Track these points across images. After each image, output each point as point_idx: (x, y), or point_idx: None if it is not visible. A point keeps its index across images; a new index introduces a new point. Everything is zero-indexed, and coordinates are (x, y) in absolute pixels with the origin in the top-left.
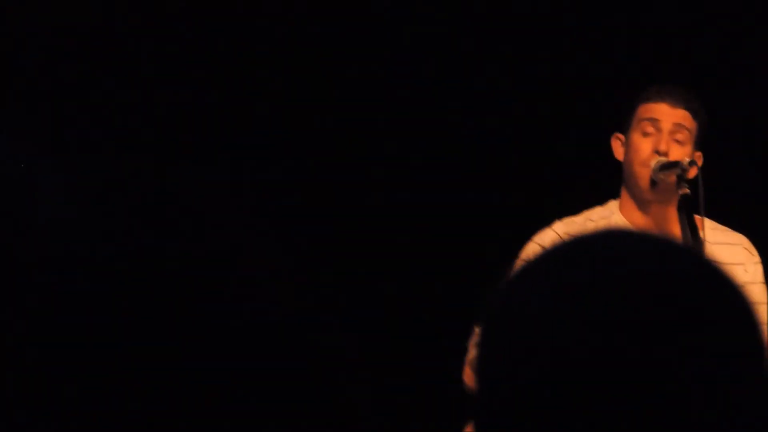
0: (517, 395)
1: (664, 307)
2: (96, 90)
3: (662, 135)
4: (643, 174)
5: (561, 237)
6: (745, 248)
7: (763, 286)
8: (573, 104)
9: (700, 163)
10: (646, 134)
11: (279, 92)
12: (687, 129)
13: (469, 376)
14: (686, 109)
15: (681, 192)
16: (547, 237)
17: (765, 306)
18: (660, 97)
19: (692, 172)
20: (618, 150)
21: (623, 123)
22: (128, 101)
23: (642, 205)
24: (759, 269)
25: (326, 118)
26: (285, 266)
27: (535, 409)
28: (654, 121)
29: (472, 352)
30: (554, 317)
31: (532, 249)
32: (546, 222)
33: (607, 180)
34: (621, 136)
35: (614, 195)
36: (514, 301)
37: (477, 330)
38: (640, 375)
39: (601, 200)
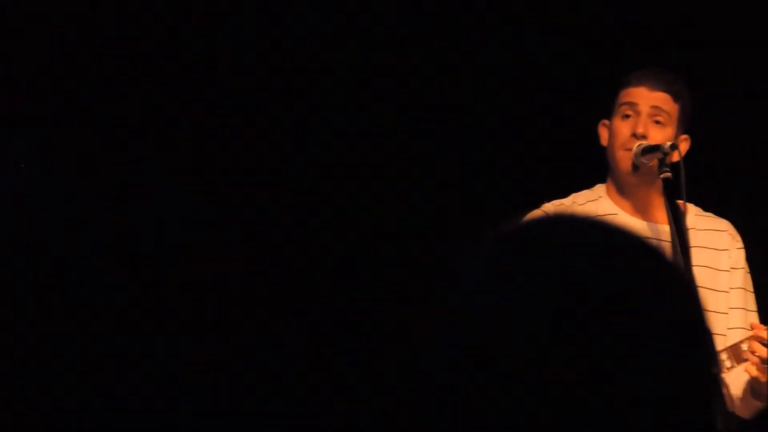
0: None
1: (605, 298)
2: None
3: (640, 118)
4: (622, 157)
5: None
6: (730, 234)
7: (744, 272)
8: (565, 92)
9: (687, 145)
10: (625, 118)
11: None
12: (666, 111)
13: None
14: (666, 91)
15: (662, 176)
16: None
17: (744, 291)
18: (639, 81)
19: (674, 156)
20: (603, 136)
21: (609, 109)
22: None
23: (626, 188)
24: (741, 254)
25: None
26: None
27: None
28: (632, 105)
29: None
30: (499, 305)
31: None
32: (537, 205)
33: (598, 166)
34: (606, 122)
35: (603, 180)
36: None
37: None
38: (578, 370)
39: (590, 185)
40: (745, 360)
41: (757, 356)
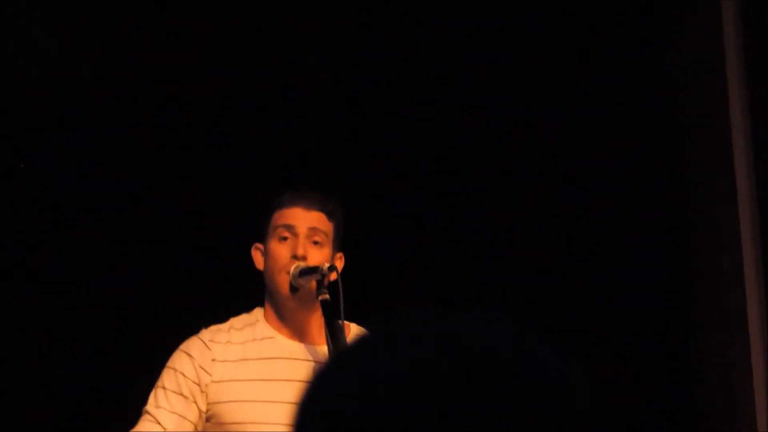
0: None
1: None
2: None
3: (299, 239)
4: (284, 281)
5: (206, 344)
6: None
7: None
8: (215, 214)
9: (341, 263)
10: (282, 240)
11: None
12: (323, 231)
13: None
14: (320, 210)
15: (321, 298)
16: (193, 345)
17: None
18: (293, 202)
19: (332, 276)
20: (258, 259)
21: (261, 232)
22: None
23: (285, 311)
24: None
25: None
26: None
27: None
28: (289, 227)
29: None
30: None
31: (178, 358)
32: (193, 331)
33: (258, 289)
34: (260, 245)
35: (262, 303)
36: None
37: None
38: None
39: (249, 308)
40: None
41: None
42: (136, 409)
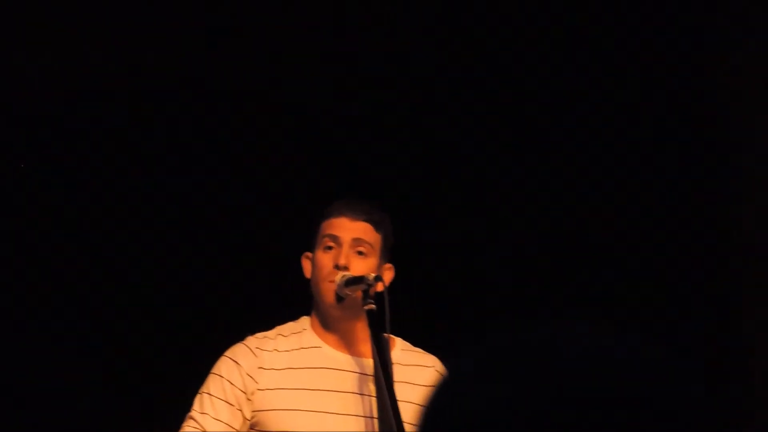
0: None
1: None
2: None
3: (342, 249)
4: (327, 289)
5: (253, 352)
6: (437, 371)
7: None
8: (265, 224)
9: (391, 275)
10: (327, 249)
11: None
12: (368, 242)
13: None
14: (366, 221)
15: (366, 308)
16: (240, 352)
17: None
18: (340, 212)
19: (379, 287)
20: (307, 268)
21: (311, 241)
22: None
23: (330, 321)
24: None
25: None
26: None
27: None
28: (334, 237)
29: None
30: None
31: (225, 365)
32: (239, 338)
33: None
34: (309, 254)
35: (309, 312)
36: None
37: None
38: None
39: (296, 317)
40: None
41: None
42: (174, 414)
